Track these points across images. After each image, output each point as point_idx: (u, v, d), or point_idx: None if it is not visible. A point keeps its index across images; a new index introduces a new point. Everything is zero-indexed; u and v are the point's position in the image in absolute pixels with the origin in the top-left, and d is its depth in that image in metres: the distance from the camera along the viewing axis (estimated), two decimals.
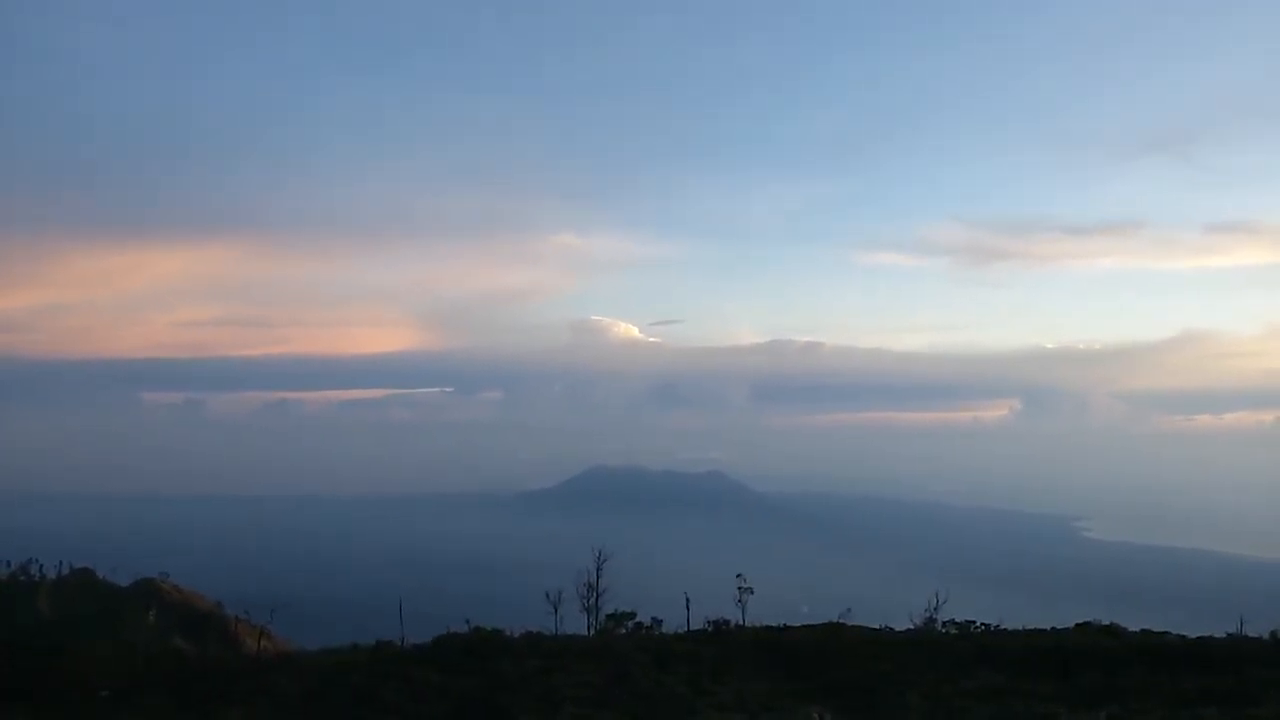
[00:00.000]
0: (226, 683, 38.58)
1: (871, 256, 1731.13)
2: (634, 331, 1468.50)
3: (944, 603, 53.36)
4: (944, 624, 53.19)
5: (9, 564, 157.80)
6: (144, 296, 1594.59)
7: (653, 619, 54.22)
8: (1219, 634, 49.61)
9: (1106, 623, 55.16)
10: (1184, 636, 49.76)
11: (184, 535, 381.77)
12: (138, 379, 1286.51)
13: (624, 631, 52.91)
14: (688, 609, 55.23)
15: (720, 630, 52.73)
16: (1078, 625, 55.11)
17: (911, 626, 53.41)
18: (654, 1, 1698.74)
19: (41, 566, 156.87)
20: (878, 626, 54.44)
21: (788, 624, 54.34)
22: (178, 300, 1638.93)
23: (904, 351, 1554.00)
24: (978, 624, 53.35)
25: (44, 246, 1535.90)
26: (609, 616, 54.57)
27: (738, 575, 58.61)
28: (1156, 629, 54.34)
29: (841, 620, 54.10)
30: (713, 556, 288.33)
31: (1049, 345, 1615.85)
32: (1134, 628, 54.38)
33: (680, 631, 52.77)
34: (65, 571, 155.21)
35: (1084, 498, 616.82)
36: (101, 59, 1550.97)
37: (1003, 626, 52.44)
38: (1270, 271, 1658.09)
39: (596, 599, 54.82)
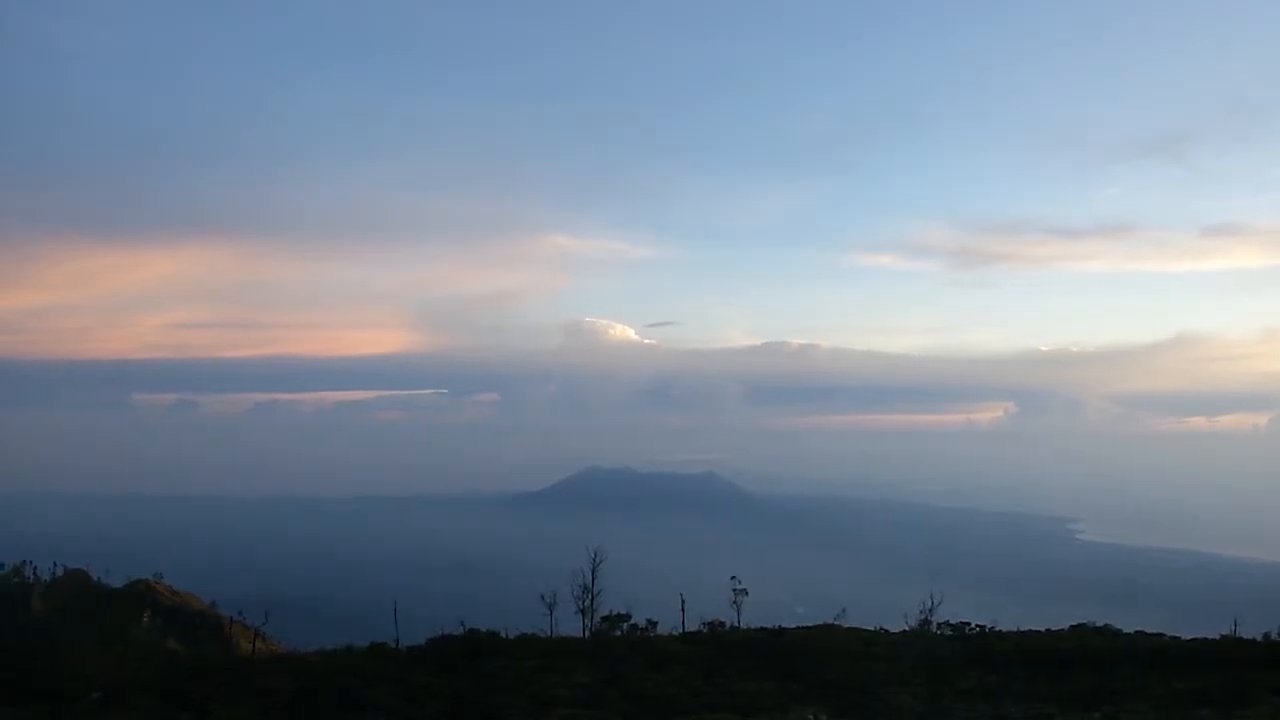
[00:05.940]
0: (220, 684, 38.48)
1: (865, 259, 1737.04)
2: (629, 333, 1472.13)
3: (938, 604, 53.36)
4: (938, 625, 53.23)
5: (3, 565, 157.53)
6: (135, 298, 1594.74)
7: (647, 620, 54.22)
8: (1213, 635, 49.66)
9: (1101, 624, 55.28)
10: (1178, 638, 49.83)
11: (177, 537, 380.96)
12: (129, 380, 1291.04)
13: (619, 633, 52.88)
14: (683, 610, 55.25)
15: (715, 631, 52.74)
16: (1072, 627, 55.20)
17: (906, 628, 53.42)
18: (646, 2, 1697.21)
19: (35, 568, 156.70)
20: (872, 628, 54.51)
21: (782, 625, 54.41)
22: (169, 301, 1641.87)
23: (898, 353, 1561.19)
24: (972, 625, 53.43)
25: (34, 247, 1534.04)
26: (604, 618, 54.52)
27: (732, 577, 58.71)
28: (1151, 630, 54.44)
29: (836, 621, 54.16)
30: (707, 558, 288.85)
31: (1043, 347, 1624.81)
32: (1128, 629, 54.48)
33: (675, 633, 52.77)
34: (59, 573, 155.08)
35: (1078, 499, 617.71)
36: (92, 59, 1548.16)
37: (997, 628, 52.55)
38: (1264, 274, 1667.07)
39: (591, 600, 54.73)
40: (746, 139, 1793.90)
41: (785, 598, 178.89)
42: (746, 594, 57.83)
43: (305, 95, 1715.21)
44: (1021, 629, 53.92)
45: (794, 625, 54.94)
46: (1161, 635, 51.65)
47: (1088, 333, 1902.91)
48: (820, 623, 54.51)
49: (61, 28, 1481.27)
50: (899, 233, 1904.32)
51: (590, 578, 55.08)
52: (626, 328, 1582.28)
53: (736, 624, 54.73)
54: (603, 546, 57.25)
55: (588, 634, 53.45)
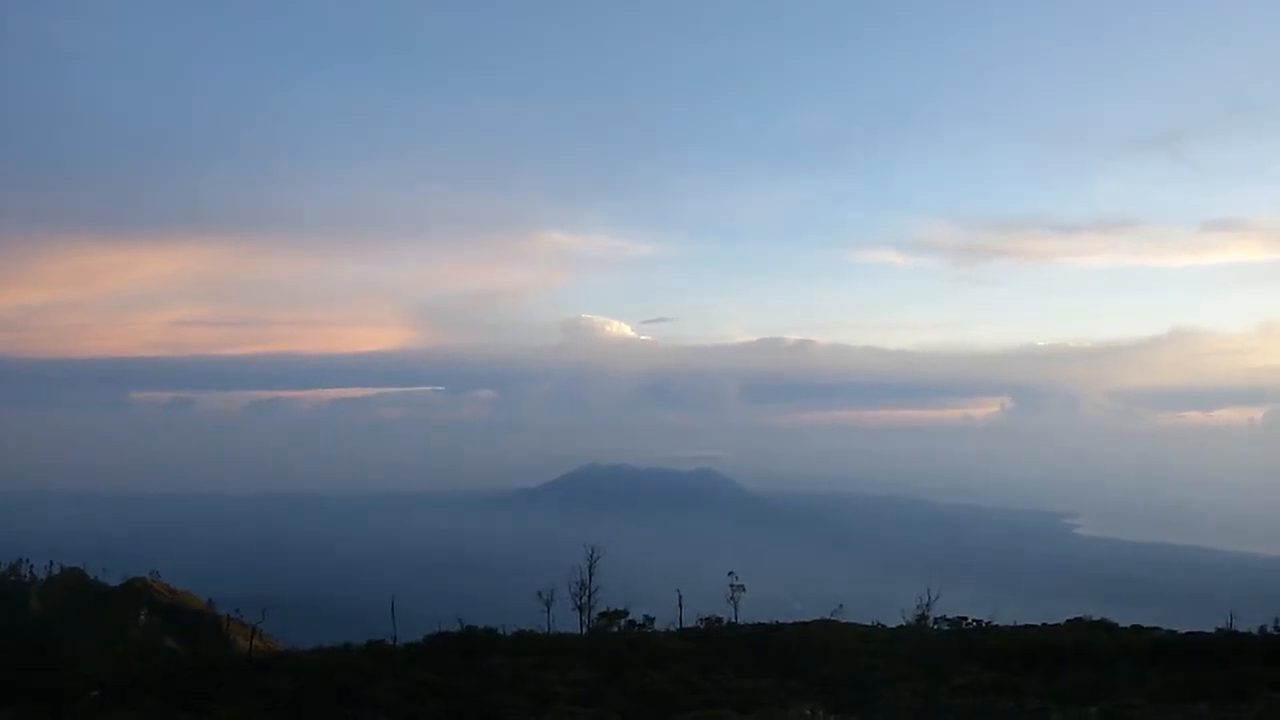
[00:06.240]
0: (220, 683, 38.49)
1: (863, 254, 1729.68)
2: (626, 330, 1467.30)
3: (935, 599, 53.54)
4: (935, 620, 53.38)
5: None
6: (135, 295, 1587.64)
7: (645, 617, 54.36)
8: (1209, 629, 49.81)
9: (1097, 619, 55.45)
10: (1174, 632, 49.98)
11: (175, 534, 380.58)
12: (128, 378, 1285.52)
13: (616, 629, 52.97)
14: (680, 607, 55.35)
15: (712, 628, 52.83)
16: (1069, 621, 55.37)
17: (903, 623, 53.56)
18: (646, 2, 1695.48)
19: (32, 566, 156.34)
20: (869, 623, 54.66)
21: (779, 621, 54.55)
22: (168, 299, 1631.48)
23: (895, 349, 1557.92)
24: (969, 620, 53.59)
25: (33, 245, 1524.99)
26: (601, 615, 54.63)
27: (729, 573, 58.80)
28: (1147, 625, 54.60)
29: (833, 617, 54.30)
30: (704, 554, 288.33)
31: (1040, 343, 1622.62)
32: (1125, 624, 54.61)
33: (673, 629, 52.84)
34: (55, 571, 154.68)
35: (1075, 495, 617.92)
36: (92, 59, 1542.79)
37: (994, 623, 52.67)
38: (1261, 269, 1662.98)
39: (589, 597, 54.84)
40: (746, 137, 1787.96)
41: (783, 594, 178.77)
42: (744, 590, 57.93)
43: (305, 95, 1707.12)
44: (1019, 624, 54.03)
45: (791, 621, 55.06)
46: (1158, 630, 51.79)
47: (1086, 328, 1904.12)
48: (818, 618, 54.65)
49: (61, 28, 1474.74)
50: (899, 229, 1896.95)
51: (588, 575, 55.20)
52: (624, 324, 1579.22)
53: (734, 620, 54.85)
54: (600, 543, 57.38)
55: (585, 631, 53.53)
